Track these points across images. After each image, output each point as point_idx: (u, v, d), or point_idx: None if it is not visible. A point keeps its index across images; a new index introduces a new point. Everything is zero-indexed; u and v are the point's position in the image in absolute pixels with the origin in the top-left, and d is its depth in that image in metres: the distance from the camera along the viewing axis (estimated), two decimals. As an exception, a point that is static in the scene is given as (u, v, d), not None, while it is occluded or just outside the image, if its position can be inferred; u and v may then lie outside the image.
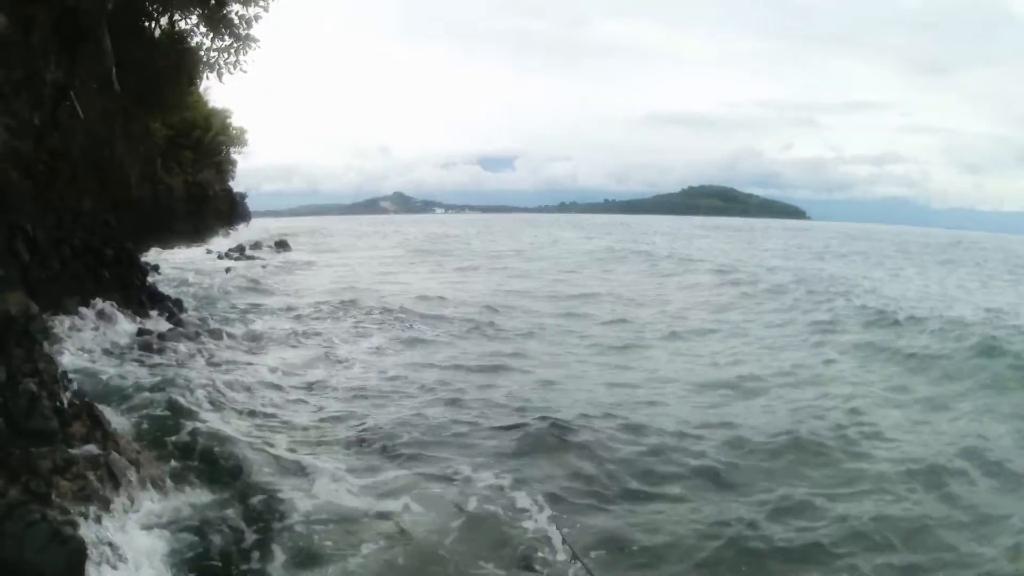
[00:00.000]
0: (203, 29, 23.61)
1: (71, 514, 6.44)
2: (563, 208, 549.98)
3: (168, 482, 8.73)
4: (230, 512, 8.46)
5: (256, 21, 23.22)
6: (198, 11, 22.93)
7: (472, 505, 9.06)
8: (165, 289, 21.69)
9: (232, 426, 11.27)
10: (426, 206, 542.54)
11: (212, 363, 14.48)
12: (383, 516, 8.63)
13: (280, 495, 8.97)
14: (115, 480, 7.77)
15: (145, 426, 10.78)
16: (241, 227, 74.57)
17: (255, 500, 8.78)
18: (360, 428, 11.86)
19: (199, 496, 8.79)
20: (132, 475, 8.18)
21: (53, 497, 6.53)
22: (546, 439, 11.48)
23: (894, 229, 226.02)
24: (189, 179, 55.16)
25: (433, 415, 12.65)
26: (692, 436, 11.88)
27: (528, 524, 8.60)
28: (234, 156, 72.37)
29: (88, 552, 5.85)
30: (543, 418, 12.39)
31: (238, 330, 18.64)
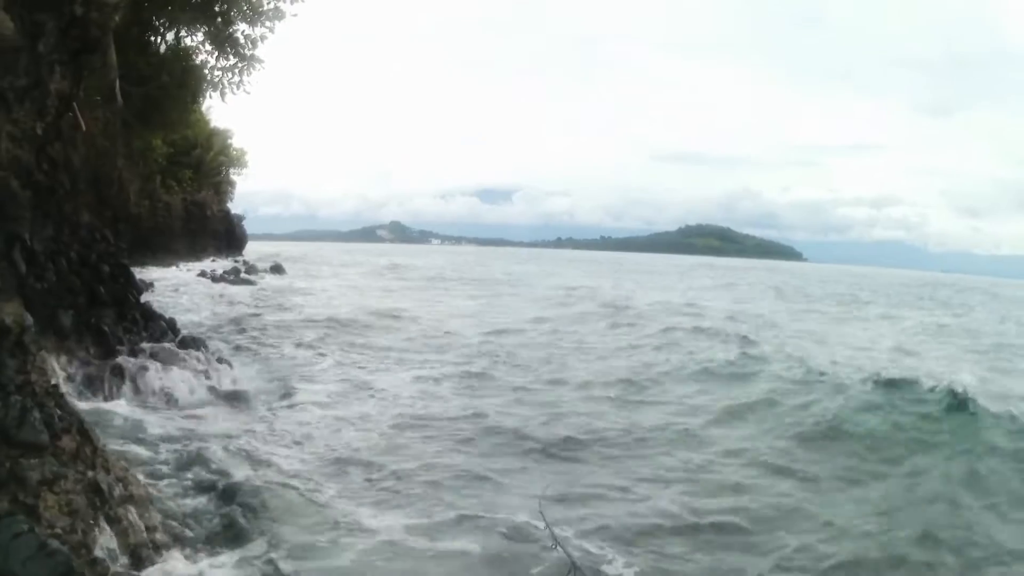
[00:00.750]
0: (208, 47, 23.74)
1: (57, 528, 6.31)
2: (560, 243, 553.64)
3: (157, 503, 8.58)
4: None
5: (261, 42, 23.33)
6: (204, 29, 23.03)
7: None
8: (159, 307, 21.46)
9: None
10: (423, 236, 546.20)
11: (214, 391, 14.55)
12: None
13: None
14: (102, 496, 7.63)
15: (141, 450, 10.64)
16: (244, 248, 74.73)
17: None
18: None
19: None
20: (118, 493, 8.03)
21: (40, 510, 6.41)
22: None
23: (885, 271, 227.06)
24: (188, 198, 55.42)
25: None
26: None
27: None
28: (233, 177, 72.74)
29: (72, 564, 5.71)
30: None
31: (234, 356, 18.54)
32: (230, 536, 8.31)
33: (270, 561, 7.74)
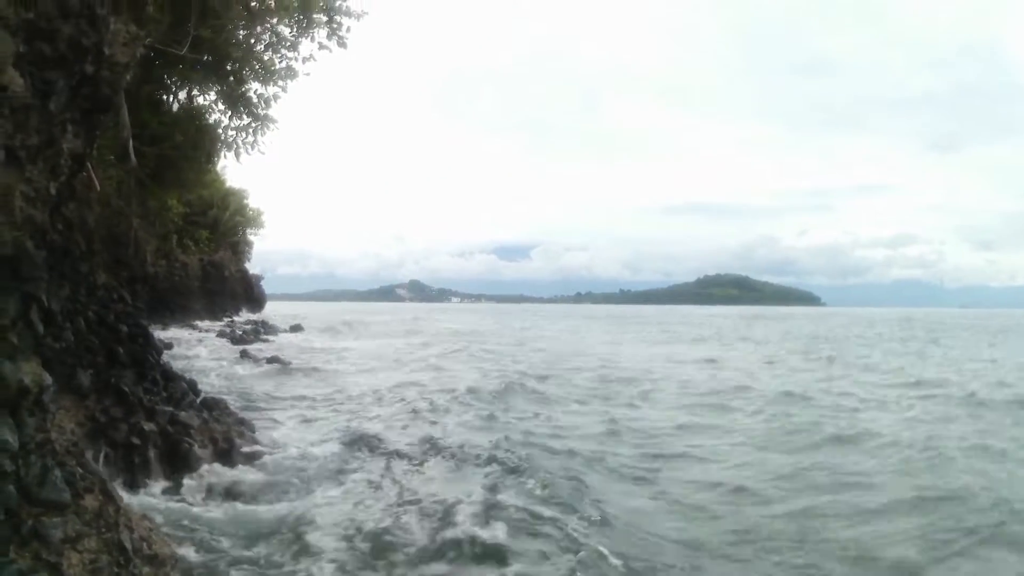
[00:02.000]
0: (221, 106, 23.84)
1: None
2: (578, 298, 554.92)
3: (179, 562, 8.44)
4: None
5: (275, 101, 23.43)
6: (216, 87, 23.16)
7: None
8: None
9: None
10: (442, 294, 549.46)
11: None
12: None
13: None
14: (126, 555, 7.53)
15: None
16: (263, 308, 74.97)
17: None
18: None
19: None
20: (144, 552, 7.92)
21: (64, 568, 6.31)
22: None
23: (900, 311, 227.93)
24: (205, 258, 55.68)
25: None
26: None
27: None
28: (251, 237, 73.13)
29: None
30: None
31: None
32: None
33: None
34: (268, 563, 9.06)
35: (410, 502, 11.39)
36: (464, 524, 10.10)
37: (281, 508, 11.13)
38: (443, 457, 14.65)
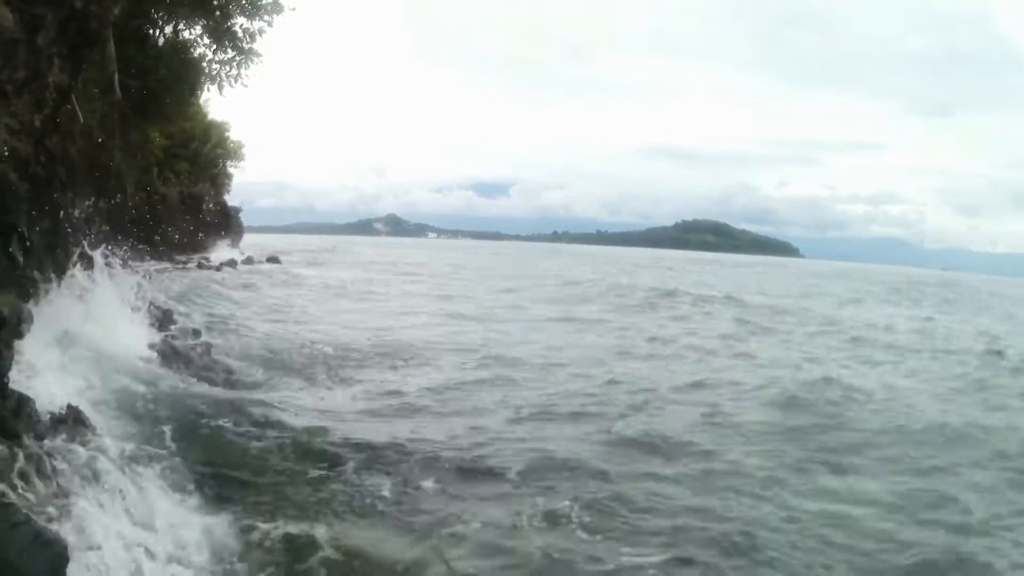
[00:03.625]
0: (207, 40, 23.67)
1: (54, 516, 6.36)
2: (556, 237, 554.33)
3: (158, 484, 8.57)
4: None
5: (260, 35, 23.29)
6: (203, 22, 22.99)
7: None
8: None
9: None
10: (419, 230, 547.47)
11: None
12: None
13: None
14: (99, 483, 7.68)
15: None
16: (241, 240, 74.73)
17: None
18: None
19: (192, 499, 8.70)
20: (119, 480, 8.07)
21: (37, 499, 6.47)
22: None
23: (879, 268, 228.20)
24: (184, 190, 55.21)
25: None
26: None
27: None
28: (231, 169, 72.54)
29: (68, 554, 5.76)
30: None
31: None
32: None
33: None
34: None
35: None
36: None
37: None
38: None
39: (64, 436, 7.92)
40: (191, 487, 8.88)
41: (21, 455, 6.68)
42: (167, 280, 31.23)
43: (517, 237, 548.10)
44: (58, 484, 7.01)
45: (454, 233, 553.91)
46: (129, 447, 8.97)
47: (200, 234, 59.14)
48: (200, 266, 43.96)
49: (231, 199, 77.99)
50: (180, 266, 42.10)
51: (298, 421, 12.44)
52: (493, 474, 10.91)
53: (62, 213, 10.72)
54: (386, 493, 9.81)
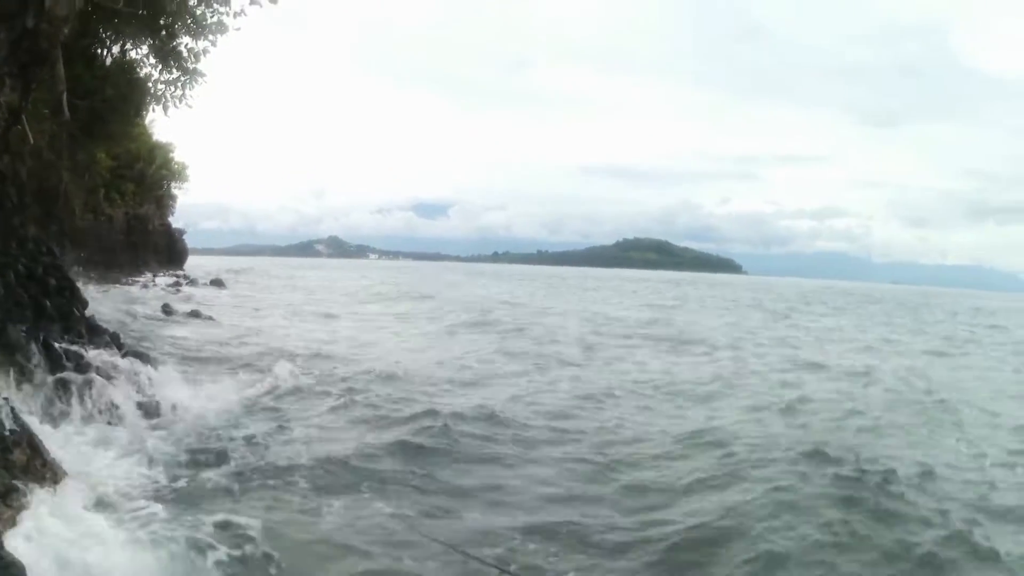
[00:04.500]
0: (153, 60, 23.66)
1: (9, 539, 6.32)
2: (496, 258, 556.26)
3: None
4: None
5: (204, 55, 23.33)
6: (149, 42, 22.97)
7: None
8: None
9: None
10: (360, 251, 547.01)
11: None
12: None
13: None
14: (56, 509, 7.63)
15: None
16: (184, 262, 73.70)
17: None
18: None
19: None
20: (74, 506, 8.01)
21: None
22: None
23: (818, 283, 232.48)
24: (130, 212, 54.79)
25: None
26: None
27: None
28: (175, 191, 72.08)
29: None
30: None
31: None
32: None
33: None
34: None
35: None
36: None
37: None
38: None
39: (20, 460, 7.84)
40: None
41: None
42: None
43: (457, 258, 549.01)
44: (16, 509, 6.95)
45: (395, 254, 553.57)
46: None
47: (145, 255, 58.62)
48: (144, 288, 43.56)
49: (175, 221, 77.45)
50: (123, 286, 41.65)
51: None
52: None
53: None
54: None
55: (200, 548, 7.91)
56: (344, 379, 18.66)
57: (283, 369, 19.57)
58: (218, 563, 7.70)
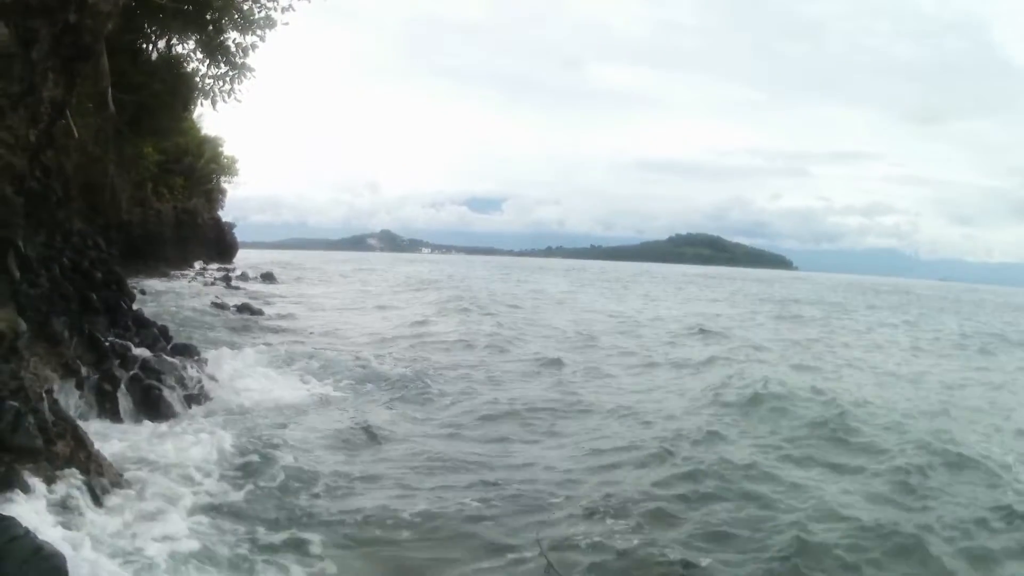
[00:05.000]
0: (200, 55, 23.79)
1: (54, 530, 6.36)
2: (549, 252, 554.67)
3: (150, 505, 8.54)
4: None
5: (252, 50, 23.40)
6: (196, 37, 23.09)
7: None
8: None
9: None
10: (413, 245, 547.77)
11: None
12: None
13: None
14: (97, 501, 7.67)
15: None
16: (234, 256, 74.13)
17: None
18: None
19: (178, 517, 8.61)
20: (114, 498, 8.05)
21: (35, 512, 6.45)
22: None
23: (870, 279, 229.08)
24: (179, 206, 55.31)
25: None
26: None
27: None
28: (224, 185, 72.68)
29: (67, 568, 5.73)
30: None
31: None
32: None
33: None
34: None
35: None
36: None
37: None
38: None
39: (63, 452, 7.89)
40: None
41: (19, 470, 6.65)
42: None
43: (510, 252, 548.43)
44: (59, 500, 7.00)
45: (447, 249, 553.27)
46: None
47: (194, 249, 59.16)
48: (193, 281, 43.82)
49: (225, 215, 78.08)
50: (169, 280, 42.00)
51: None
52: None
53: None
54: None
55: (243, 543, 7.96)
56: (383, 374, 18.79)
57: (336, 359, 19.81)
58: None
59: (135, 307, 18.45)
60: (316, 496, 9.86)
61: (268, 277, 54.54)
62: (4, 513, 5.93)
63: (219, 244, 72.97)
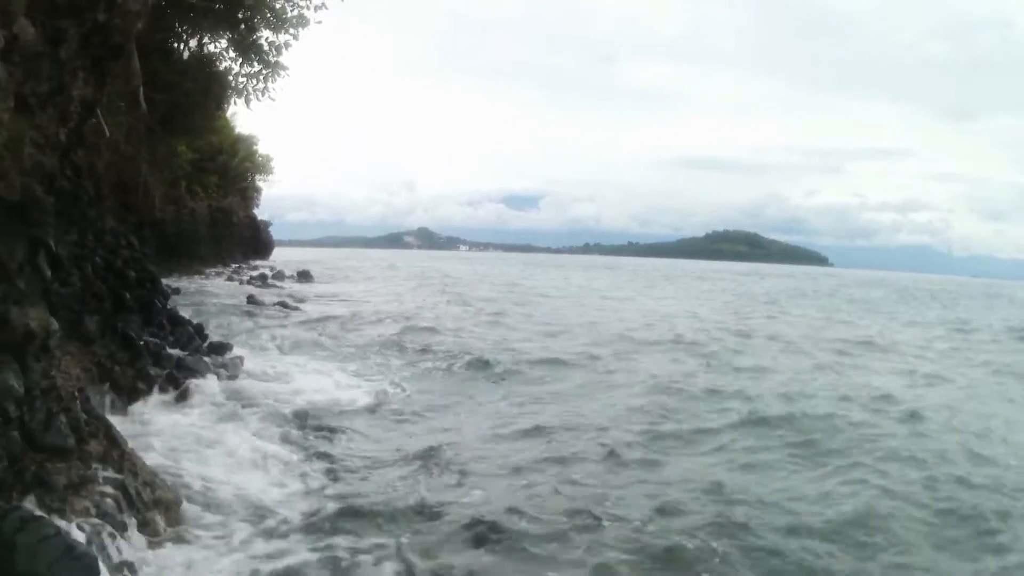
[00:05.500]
0: (232, 54, 23.84)
1: (85, 531, 6.33)
2: (587, 249, 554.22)
3: (184, 506, 8.54)
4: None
5: (286, 49, 23.43)
6: (228, 35, 23.12)
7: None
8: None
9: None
10: (450, 243, 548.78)
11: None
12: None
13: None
14: (130, 500, 7.64)
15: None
16: (270, 254, 74.33)
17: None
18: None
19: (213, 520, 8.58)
20: (147, 497, 8.02)
21: (67, 513, 6.44)
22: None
23: (904, 276, 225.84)
24: (213, 204, 55.63)
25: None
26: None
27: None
28: (259, 183, 73.05)
29: (99, 569, 5.72)
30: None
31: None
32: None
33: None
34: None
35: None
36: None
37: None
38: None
39: (96, 451, 7.88)
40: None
41: (51, 469, 6.65)
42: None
43: (548, 250, 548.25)
44: (91, 500, 6.98)
45: (485, 246, 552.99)
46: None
47: (230, 247, 59.46)
48: (229, 280, 43.92)
49: (260, 213, 78.47)
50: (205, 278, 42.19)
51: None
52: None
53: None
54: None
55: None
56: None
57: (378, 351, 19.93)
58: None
59: (169, 305, 18.55)
60: (364, 480, 9.96)
61: (304, 275, 54.26)
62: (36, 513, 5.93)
63: (255, 242, 73.31)
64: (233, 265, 56.24)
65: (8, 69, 7.02)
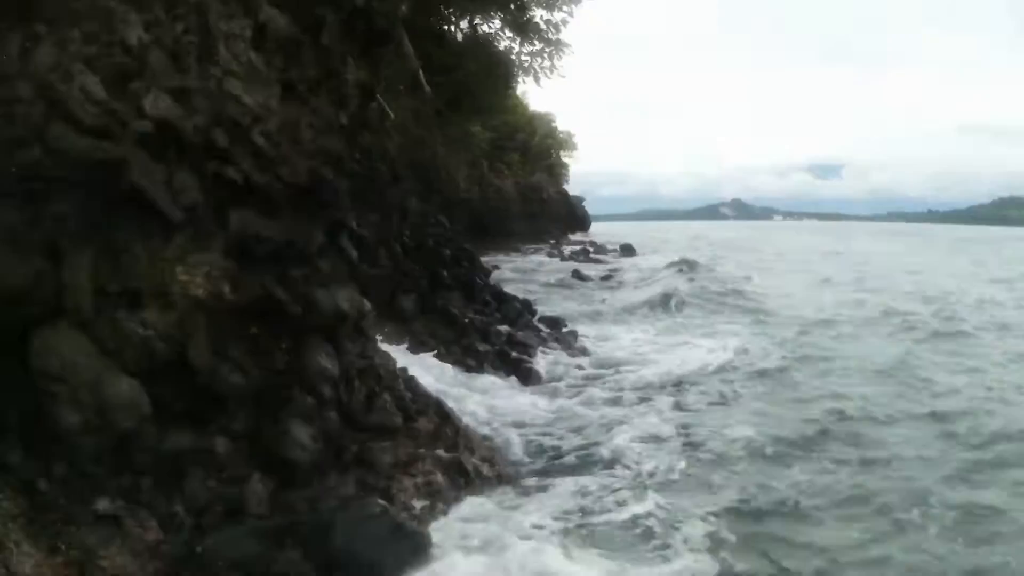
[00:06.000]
0: (509, 33, 23.87)
1: (415, 510, 6.16)
2: (891, 217, 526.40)
3: (528, 481, 8.13)
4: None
5: (564, 26, 23.20)
6: (499, 16, 23.15)
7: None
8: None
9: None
10: (765, 213, 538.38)
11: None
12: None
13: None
14: (467, 477, 7.38)
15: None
16: (588, 229, 74.75)
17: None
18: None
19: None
20: (487, 473, 7.75)
21: (394, 491, 6.29)
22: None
23: None
24: (520, 181, 56.72)
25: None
26: None
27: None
28: (564, 159, 73.91)
29: (430, 546, 5.47)
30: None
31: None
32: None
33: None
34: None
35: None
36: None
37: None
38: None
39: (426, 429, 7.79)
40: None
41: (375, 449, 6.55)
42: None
43: (856, 218, 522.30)
44: (422, 478, 6.86)
45: (799, 215, 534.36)
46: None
47: (545, 224, 60.46)
48: (549, 255, 44.16)
49: (571, 189, 79.32)
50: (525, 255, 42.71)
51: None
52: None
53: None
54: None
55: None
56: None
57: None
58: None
59: (491, 282, 18.66)
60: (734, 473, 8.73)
61: (627, 249, 53.24)
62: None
63: (570, 218, 73.99)
64: (551, 241, 56.96)
65: (265, 57, 7.02)
